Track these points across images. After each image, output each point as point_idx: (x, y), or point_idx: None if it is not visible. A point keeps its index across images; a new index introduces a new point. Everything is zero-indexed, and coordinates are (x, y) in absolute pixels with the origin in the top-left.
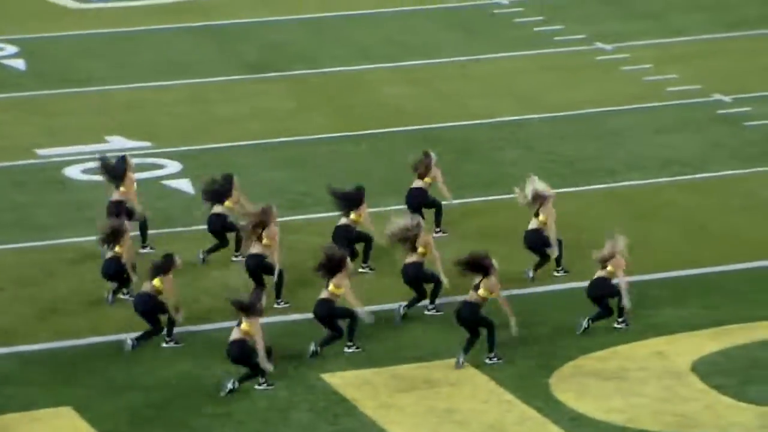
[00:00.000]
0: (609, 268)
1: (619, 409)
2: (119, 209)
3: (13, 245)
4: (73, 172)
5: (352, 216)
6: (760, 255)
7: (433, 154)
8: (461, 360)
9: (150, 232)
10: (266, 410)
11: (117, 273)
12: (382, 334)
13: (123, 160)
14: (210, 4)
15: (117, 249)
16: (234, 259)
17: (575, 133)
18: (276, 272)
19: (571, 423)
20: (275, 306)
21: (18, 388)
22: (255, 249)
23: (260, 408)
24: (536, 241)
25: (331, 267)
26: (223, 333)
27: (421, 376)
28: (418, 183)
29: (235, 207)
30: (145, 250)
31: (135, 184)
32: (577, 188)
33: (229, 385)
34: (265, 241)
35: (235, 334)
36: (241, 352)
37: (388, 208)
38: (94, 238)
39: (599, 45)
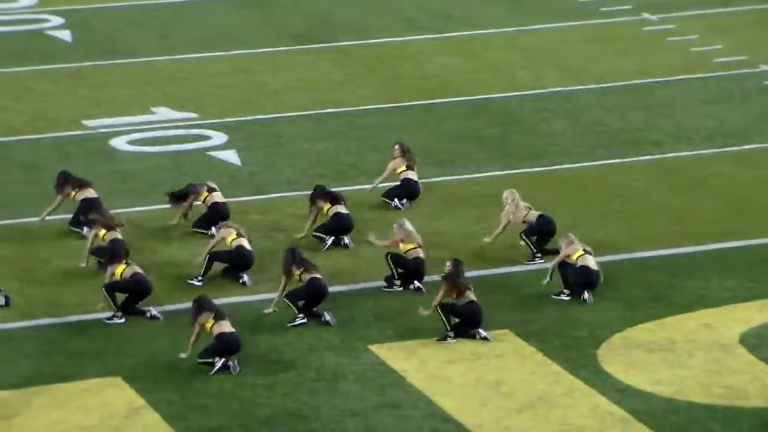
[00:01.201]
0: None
1: (667, 381)
2: None
3: (60, 216)
4: (120, 143)
5: None
6: None
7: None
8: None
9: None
10: (313, 381)
11: None
12: (426, 304)
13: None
14: None
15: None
16: None
17: (621, 104)
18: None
19: (618, 394)
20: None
21: (68, 358)
22: None
23: (307, 378)
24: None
25: None
26: (269, 304)
27: (467, 348)
28: (411, 174)
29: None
30: None
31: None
32: (623, 159)
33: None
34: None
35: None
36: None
37: (431, 179)
38: (140, 208)
39: (645, 15)
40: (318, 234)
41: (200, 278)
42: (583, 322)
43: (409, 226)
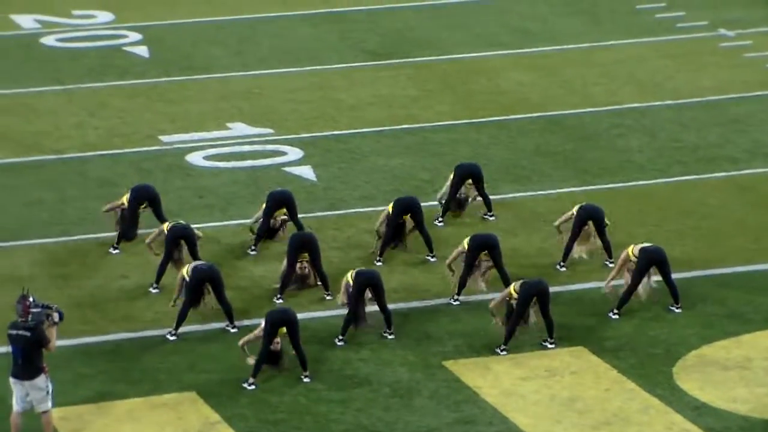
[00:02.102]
0: None
1: (743, 398)
2: None
3: (137, 231)
4: (196, 158)
5: None
6: None
7: None
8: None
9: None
10: (388, 397)
11: None
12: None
13: None
14: None
15: None
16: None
17: (698, 120)
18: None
19: (694, 412)
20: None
21: (143, 373)
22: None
23: (382, 394)
24: None
25: None
26: (338, 320)
27: (542, 365)
28: None
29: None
30: None
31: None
32: (699, 176)
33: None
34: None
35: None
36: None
37: (507, 195)
38: (216, 224)
39: (722, 31)
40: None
41: (279, 296)
42: (658, 339)
43: None
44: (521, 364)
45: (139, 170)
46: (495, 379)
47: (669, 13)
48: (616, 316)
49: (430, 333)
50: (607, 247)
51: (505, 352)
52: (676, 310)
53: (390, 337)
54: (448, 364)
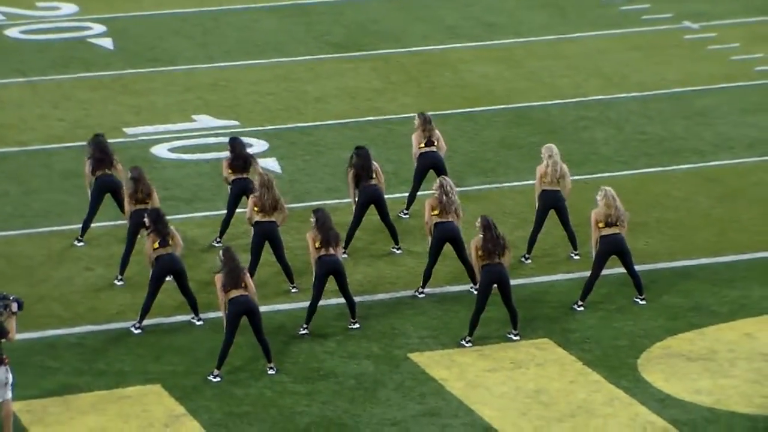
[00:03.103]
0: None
1: (708, 390)
2: None
3: (102, 223)
4: (161, 150)
5: None
6: None
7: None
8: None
9: (240, 210)
10: (353, 389)
11: None
12: (467, 313)
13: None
14: None
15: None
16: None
17: (663, 112)
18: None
19: (658, 404)
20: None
21: (107, 366)
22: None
23: (347, 386)
24: None
25: None
26: (303, 312)
27: (507, 356)
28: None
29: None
30: None
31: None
32: (664, 168)
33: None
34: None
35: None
36: None
37: (473, 188)
38: (182, 216)
39: (686, 24)
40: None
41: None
42: (623, 331)
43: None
44: (486, 356)
45: None
46: (460, 371)
47: (634, 6)
48: (581, 308)
49: (395, 325)
50: (572, 238)
51: (470, 344)
52: (641, 302)
53: (355, 326)
54: (414, 356)
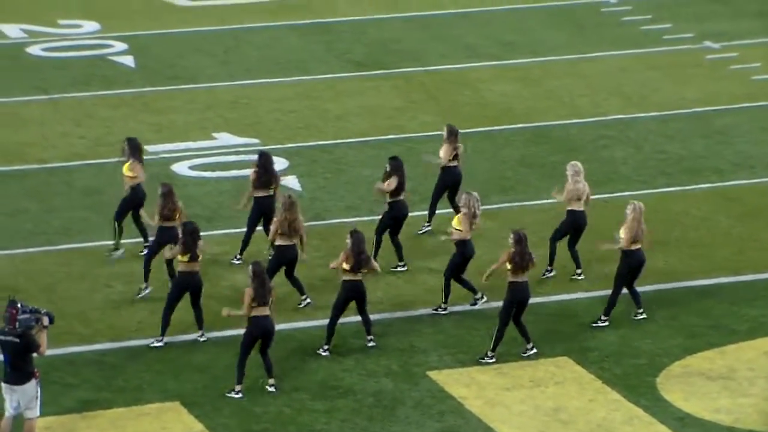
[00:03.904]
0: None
1: (727, 409)
2: None
3: (123, 240)
4: (181, 168)
5: None
6: None
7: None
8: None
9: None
10: (372, 407)
11: None
12: (486, 331)
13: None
14: (316, 1)
15: None
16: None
17: (683, 131)
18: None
19: (677, 422)
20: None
21: (126, 383)
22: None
23: (366, 404)
24: None
25: None
26: (321, 330)
27: (526, 375)
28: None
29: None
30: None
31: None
32: (684, 187)
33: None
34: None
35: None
36: None
37: (493, 206)
38: (202, 234)
39: (707, 44)
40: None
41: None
42: (642, 350)
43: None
44: (505, 374)
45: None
46: (479, 389)
47: (655, 25)
48: (605, 323)
49: (414, 343)
50: (575, 258)
51: (493, 359)
52: (640, 317)
53: (371, 344)
54: (433, 374)
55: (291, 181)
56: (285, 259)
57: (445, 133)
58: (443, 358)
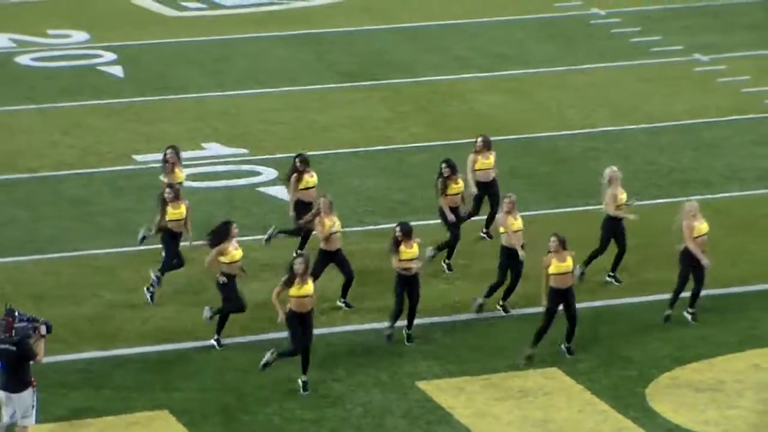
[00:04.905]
0: None
1: (715, 421)
2: None
3: (111, 249)
4: None
5: None
6: None
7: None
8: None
9: (247, 238)
10: (360, 417)
11: None
12: (475, 341)
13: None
14: (307, 12)
15: None
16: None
17: (672, 144)
18: None
19: None
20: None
21: (115, 392)
22: None
23: (355, 414)
24: None
25: None
26: (318, 339)
27: (515, 385)
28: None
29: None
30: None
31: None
32: (673, 199)
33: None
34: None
35: None
36: None
37: (482, 217)
38: (190, 243)
39: (696, 56)
40: None
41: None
42: (631, 361)
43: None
44: (494, 385)
45: (113, 189)
46: (468, 399)
47: (644, 38)
48: (691, 315)
49: (403, 353)
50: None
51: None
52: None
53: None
54: (422, 384)
55: (280, 191)
56: (329, 260)
57: (480, 144)
58: (432, 369)
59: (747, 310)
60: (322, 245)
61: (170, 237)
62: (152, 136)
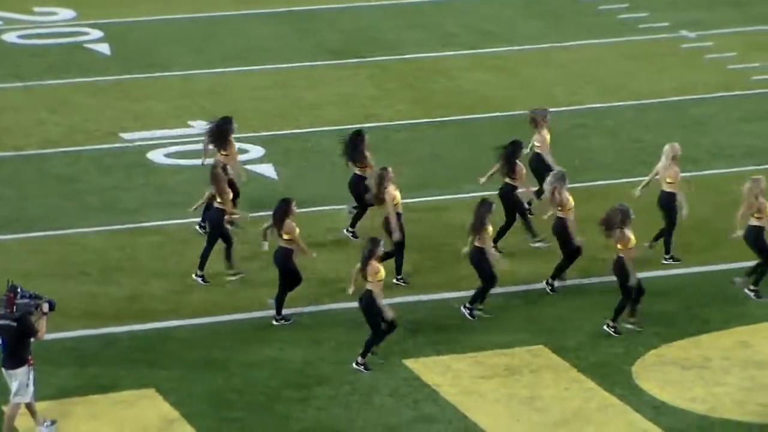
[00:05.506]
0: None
1: (702, 398)
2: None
3: (98, 228)
4: (157, 155)
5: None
6: None
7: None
8: None
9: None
10: (348, 395)
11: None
12: (462, 320)
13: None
14: None
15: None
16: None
17: (659, 120)
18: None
19: (653, 411)
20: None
21: (102, 370)
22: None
23: (342, 392)
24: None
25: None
26: (304, 318)
27: (502, 363)
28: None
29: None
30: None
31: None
32: None
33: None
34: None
35: None
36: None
37: (467, 195)
38: (178, 221)
39: (683, 33)
40: None
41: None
42: (618, 339)
43: None
44: (481, 362)
45: (99, 167)
46: (455, 377)
47: (631, 14)
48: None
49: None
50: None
51: (612, 329)
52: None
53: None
54: (409, 362)
55: (266, 169)
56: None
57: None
58: (419, 347)
59: (733, 287)
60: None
61: (222, 214)
62: (139, 114)
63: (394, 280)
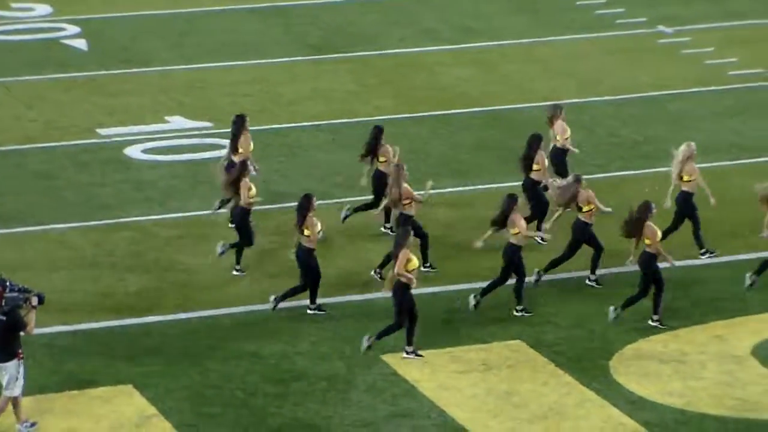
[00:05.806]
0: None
1: (679, 392)
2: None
3: (75, 224)
4: (134, 151)
5: None
6: None
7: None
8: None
9: (207, 212)
10: (325, 390)
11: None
12: (441, 315)
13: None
14: None
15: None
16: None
17: (637, 116)
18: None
19: (630, 406)
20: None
21: (78, 366)
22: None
23: (319, 388)
24: None
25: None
26: (282, 312)
27: (479, 358)
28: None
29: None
30: None
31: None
32: (638, 171)
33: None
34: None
35: None
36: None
37: (446, 190)
38: (155, 217)
39: (661, 28)
40: None
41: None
42: (595, 333)
43: None
44: (458, 358)
45: (76, 163)
46: (432, 372)
47: (608, 10)
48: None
49: (368, 326)
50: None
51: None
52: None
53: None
54: (386, 357)
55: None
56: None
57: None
58: (397, 341)
59: (711, 281)
60: (413, 211)
61: (247, 213)
62: (116, 110)
63: (372, 272)
